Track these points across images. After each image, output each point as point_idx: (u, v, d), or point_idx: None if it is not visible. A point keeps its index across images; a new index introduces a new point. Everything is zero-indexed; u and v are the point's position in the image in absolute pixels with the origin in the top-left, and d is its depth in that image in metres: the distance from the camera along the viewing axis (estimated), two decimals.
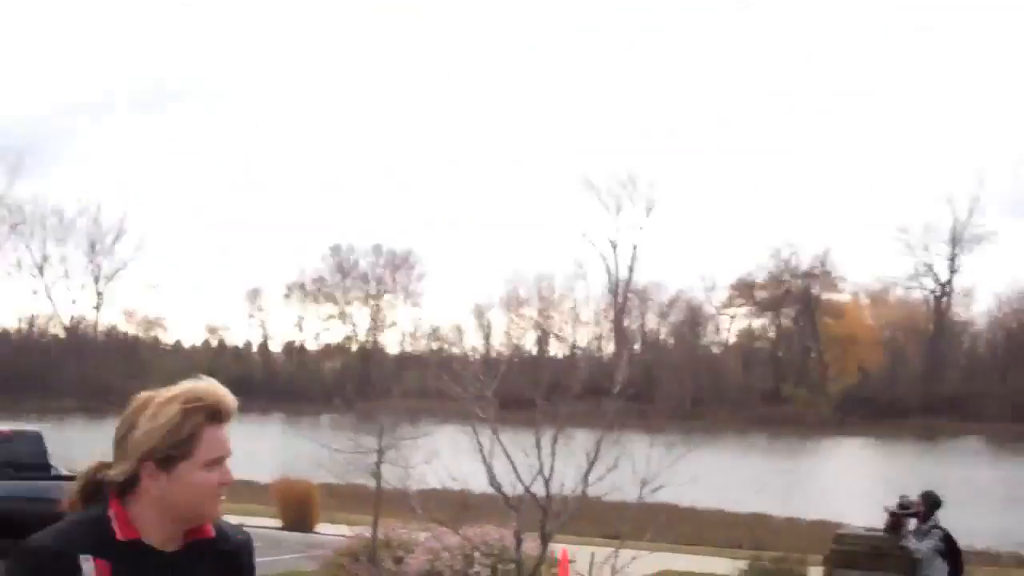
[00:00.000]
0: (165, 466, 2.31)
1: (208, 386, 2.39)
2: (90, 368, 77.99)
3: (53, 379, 76.21)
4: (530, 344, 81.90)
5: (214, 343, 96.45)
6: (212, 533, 2.41)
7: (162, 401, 2.34)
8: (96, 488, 2.35)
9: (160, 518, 2.34)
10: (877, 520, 11.50)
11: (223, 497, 2.42)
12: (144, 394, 2.42)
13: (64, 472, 15.15)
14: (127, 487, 2.32)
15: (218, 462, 2.35)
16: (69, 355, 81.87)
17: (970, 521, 13.72)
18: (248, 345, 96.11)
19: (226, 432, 2.39)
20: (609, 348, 76.72)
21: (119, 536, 2.27)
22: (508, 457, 7.46)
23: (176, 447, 2.31)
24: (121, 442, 2.34)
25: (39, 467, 14.00)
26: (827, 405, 74.89)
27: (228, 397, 2.40)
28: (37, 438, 14.40)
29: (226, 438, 2.39)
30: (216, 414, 2.35)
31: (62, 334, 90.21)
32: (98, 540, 2.25)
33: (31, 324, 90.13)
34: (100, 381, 74.50)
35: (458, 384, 8.13)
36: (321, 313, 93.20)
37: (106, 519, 2.29)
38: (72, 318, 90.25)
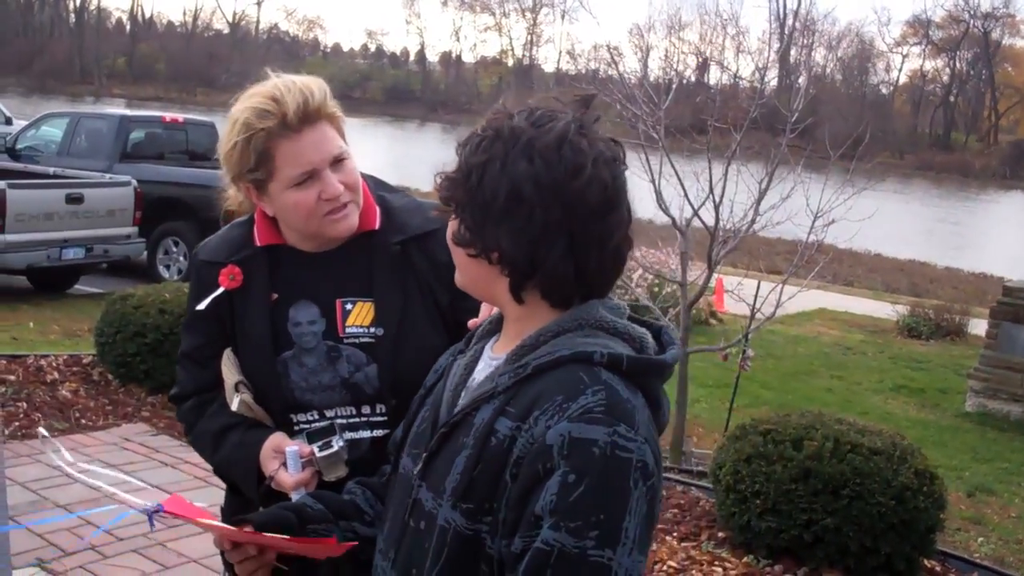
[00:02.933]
0: (259, 188, 2.08)
1: (273, 90, 2.04)
2: (252, 65, 79.36)
3: (218, 74, 77.98)
4: (690, 71, 79.52)
5: (372, 48, 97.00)
6: (374, 224, 2.17)
7: (230, 122, 2.05)
8: None
9: (291, 229, 2.16)
10: None
11: (343, 211, 2.07)
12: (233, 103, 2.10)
13: None
14: None
15: (310, 177, 2.04)
16: (232, 51, 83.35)
17: None
18: (405, 52, 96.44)
19: (316, 137, 2.03)
20: (772, 81, 73.71)
21: (258, 242, 2.18)
22: (678, 178, 7.13)
23: (255, 171, 2.04)
24: None
25: (211, 156, 14.37)
26: (997, 156, 71.30)
27: (296, 98, 2.01)
28: (210, 128, 14.73)
29: (311, 146, 2.03)
30: (286, 123, 2.01)
31: (225, 29, 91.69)
32: (240, 247, 2.19)
33: (195, 17, 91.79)
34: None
35: (629, 102, 7.72)
36: (478, 24, 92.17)
37: (252, 226, 2.21)
38: (235, 14, 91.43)
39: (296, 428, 2.15)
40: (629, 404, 1.44)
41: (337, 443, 2.06)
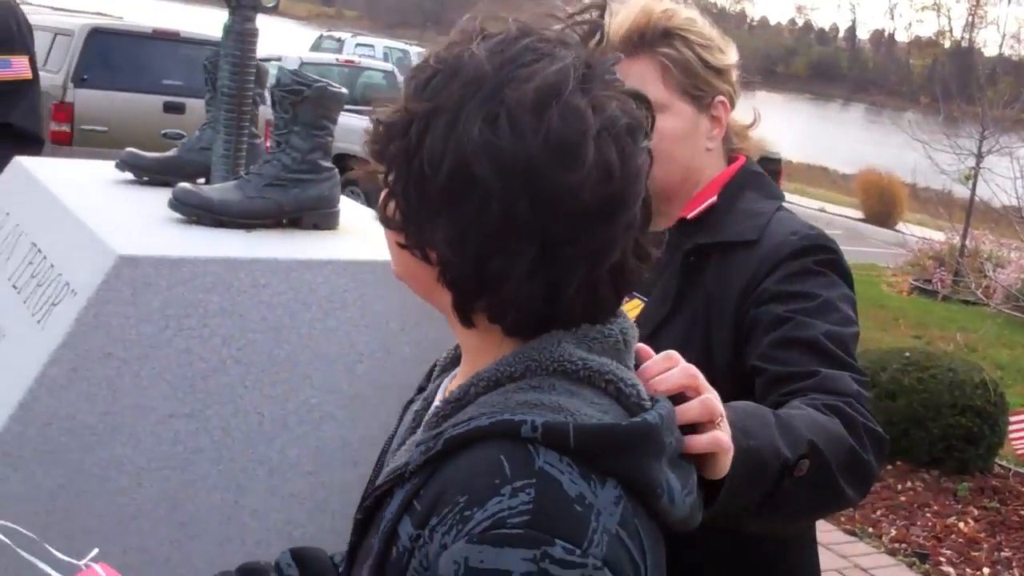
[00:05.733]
0: None
1: (617, 6, 1.67)
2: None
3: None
4: None
5: (799, 22, 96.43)
6: (687, 213, 1.67)
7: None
8: None
9: None
10: None
11: None
12: None
13: None
14: None
15: None
16: None
17: None
18: (835, 28, 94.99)
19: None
20: None
21: None
22: None
23: None
24: None
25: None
26: None
27: (619, 20, 1.63)
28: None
29: None
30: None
31: None
32: None
33: None
34: None
35: None
36: (915, 3, 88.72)
37: None
38: None
39: None
40: (578, 506, 0.88)
41: None
